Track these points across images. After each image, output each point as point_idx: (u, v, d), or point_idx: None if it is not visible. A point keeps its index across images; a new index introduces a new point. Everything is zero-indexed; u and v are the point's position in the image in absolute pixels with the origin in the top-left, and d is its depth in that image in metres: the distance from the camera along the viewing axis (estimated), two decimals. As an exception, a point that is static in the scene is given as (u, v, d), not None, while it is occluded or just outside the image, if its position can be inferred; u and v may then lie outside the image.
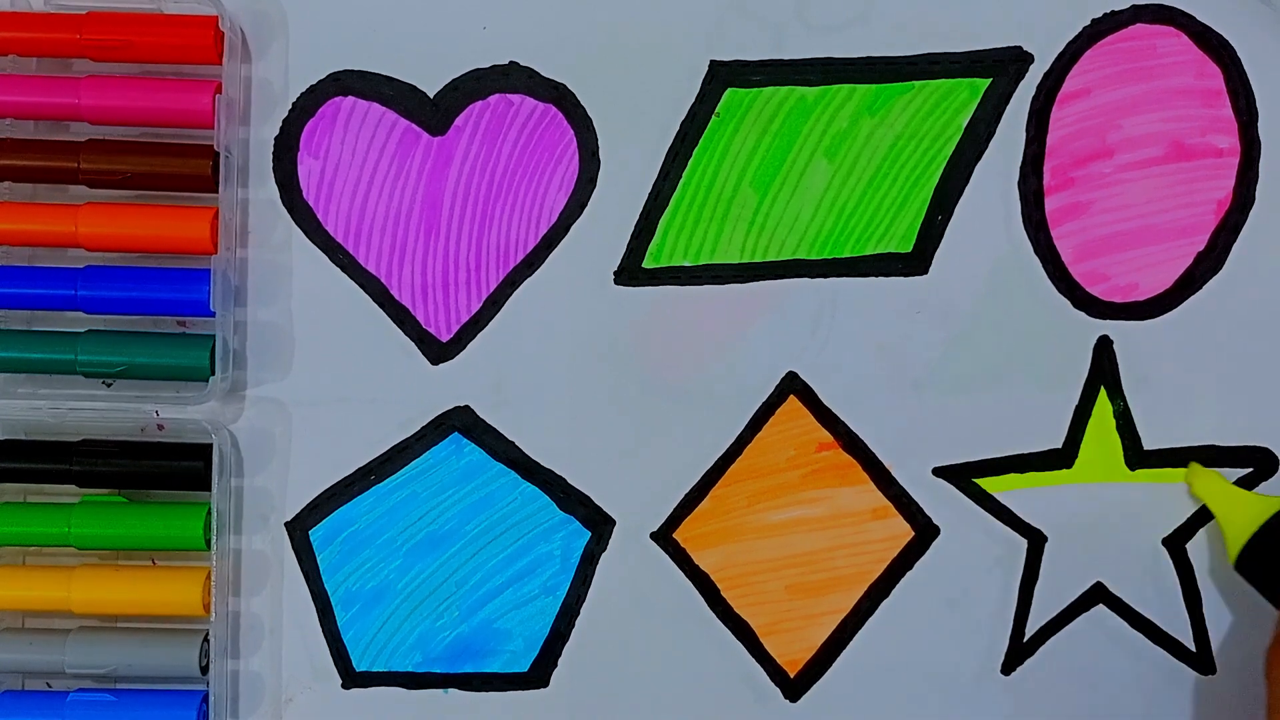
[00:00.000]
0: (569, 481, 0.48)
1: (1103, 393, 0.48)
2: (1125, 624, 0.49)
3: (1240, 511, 0.46)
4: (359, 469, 0.48)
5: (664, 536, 0.49)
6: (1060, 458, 0.49)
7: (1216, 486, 0.47)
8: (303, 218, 0.48)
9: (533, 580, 0.48)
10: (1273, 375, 0.49)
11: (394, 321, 0.48)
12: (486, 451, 0.48)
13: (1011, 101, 0.48)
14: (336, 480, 0.48)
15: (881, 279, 0.48)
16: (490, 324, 0.48)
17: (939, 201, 0.48)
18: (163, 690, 0.47)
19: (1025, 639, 0.49)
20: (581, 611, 0.49)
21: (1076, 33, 0.48)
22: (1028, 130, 0.48)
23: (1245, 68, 0.48)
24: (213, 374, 0.47)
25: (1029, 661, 0.49)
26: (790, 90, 0.48)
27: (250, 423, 0.48)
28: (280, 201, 0.48)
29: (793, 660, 0.49)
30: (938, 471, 0.49)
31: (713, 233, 0.48)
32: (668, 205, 0.48)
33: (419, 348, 0.48)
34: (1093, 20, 0.48)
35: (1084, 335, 0.48)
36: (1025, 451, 0.48)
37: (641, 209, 0.48)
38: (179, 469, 0.47)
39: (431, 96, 0.48)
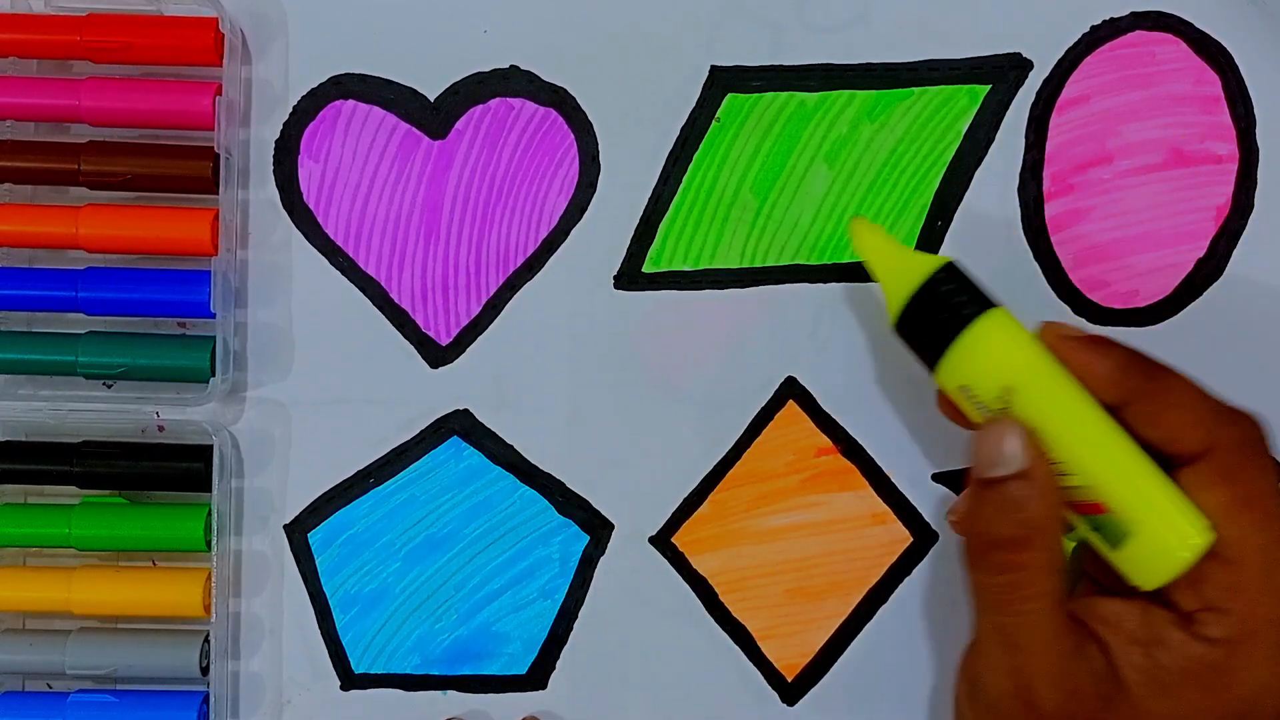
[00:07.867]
0: (568, 485, 0.48)
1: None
2: (1123, 629, 0.49)
3: (901, 270, 0.40)
4: (358, 472, 0.48)
5: (662, 541, 0.49)
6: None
7: (879, 243, 0.41)
8: (303, 220, 0.48)
9: (531, 583, 0.49)
10: (1273, 381, 0.48)
11: (393, 324, 0.48)
12: (485, 455, 0.48)
13: (1011, 108, 0.48)
14: (336, 483, 0.48)
15: (881, 284, 0.48)
16: (490, 328, 0.48)
17: (938, 207, 0.48)
18: (163, 691, 0.47)
19: (1022, 644, 0.49)
20: (579, 615, 0.49)
21: (1076, 39, 0.48)
22: (1027, 137, 0.48)
23: (1243, 74, 0.48)
24: (213, 375, 0.47)
25: (1026, 667, 0.49)
26: (790, 95, 0.48)
27: (250, 424, 0.48)
28: (280, 204, 0.48)
29: (790, 664, 0.49)
30: (937, 477, 0.49)
31: (712, 237, 0.48)
32: (668, 210, 0.48)
33: (418, 351, 0.48)
34: (1092, 27, 0.48)
35: (1083, 341, 0.48)
36: (1024, 457, 0.48)
37: (641, 213, 0.48)
38: (179, 470, 0.47)
39: (432, 100, 0.48)
